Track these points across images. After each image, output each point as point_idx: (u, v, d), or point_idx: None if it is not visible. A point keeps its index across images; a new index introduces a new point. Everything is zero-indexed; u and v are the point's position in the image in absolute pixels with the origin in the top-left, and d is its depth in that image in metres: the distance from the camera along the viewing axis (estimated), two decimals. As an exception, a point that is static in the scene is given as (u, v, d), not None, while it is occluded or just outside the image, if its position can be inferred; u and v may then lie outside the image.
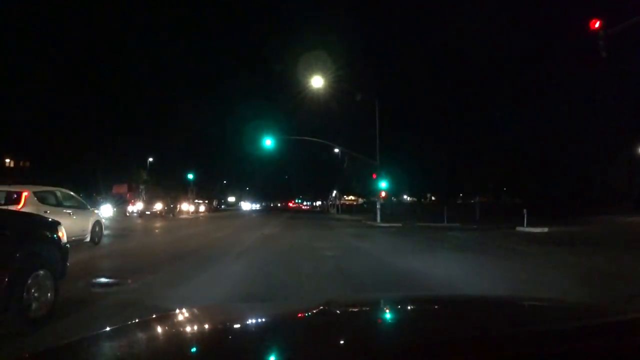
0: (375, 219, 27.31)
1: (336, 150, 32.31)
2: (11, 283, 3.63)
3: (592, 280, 6.99)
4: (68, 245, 5.08)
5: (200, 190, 66.89)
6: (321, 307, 1.78)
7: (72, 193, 11.77)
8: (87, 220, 11.45)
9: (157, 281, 6.64)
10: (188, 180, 60.24)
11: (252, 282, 6.75)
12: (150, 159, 55.63)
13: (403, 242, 14.75)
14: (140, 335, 1.38)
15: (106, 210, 22.42)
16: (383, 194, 28.61)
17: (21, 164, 53.97)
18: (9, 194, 9.65)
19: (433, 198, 62.52)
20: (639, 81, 29.29)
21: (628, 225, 21.71)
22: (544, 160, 36.23)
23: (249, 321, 1.71)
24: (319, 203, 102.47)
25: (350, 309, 1.96)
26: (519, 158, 36.89)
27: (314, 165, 62.39)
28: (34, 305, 3.95)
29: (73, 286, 5.61)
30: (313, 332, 1.45)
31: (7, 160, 54.25)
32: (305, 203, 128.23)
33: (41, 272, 4.11)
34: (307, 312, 1.82)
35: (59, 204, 10.52)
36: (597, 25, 9.96)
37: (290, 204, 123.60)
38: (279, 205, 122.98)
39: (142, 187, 45.30)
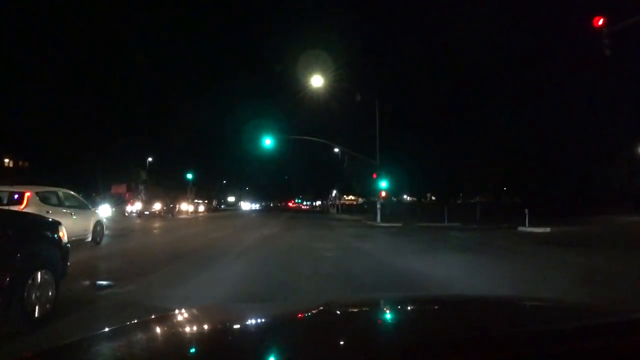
0: (375, 219, 27.24)
1: (336, 150, 32.23)
2: (12, 283, 3.65)
3: (600, 282, 6.90)
4: (69, 245, 5.11)
5: (199, 190, 66.86)
6: (321, 308, 1.79)
7: (73, 193, 11.82)
8: (89, 220, 11.53)
9: (157, 281, 6.66)
10: (187, 180, 60.17)
11: (251, 282, 6.70)
12: (150, 159, 55.54)
13: (404, 243, 14.66)
14: (140, 336, 1.38)
15: (104, 210, 22.30)
16: (383, 193, 28.54)
17: (20, 163, 53.90)
18: (11, 194, 9.72)
19: (433, 198, 62.47)
20: (639, 80, 29.28)
21: (629, 225, 21.62)
22: (544, 160, 36.20)
23: (249, 321, 1.70)
24: (318, 203, 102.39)
25: (349, 309, 1.96)
26: (519, 158, 36.85)
27: (314, 165, 62.44)
28: (35, 305, 3.97)
29: (74, 286, 5.63)
30: (313, 332, 1.44)
31: (6, 160, 54.19)
32: (305, 203, 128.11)
33: (42, 271, 4.13)
34: (307, 312, 1.82)
35: (60, 204, 10.58)
36: (600, 22, 9.84)
37: (290, 204, 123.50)
38: (278, 205, 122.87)
39: (141, 187, 45.23)
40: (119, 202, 34.49)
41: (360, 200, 74.74)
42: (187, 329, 1.55)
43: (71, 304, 4.76)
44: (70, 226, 9.16)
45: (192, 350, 1.27)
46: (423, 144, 39.07)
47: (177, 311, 1.72)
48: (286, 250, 11.17)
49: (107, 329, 1.42)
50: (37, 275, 4.04)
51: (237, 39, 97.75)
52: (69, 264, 4.93)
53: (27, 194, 9.65)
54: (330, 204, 67.46)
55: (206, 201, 64.62)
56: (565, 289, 6.19)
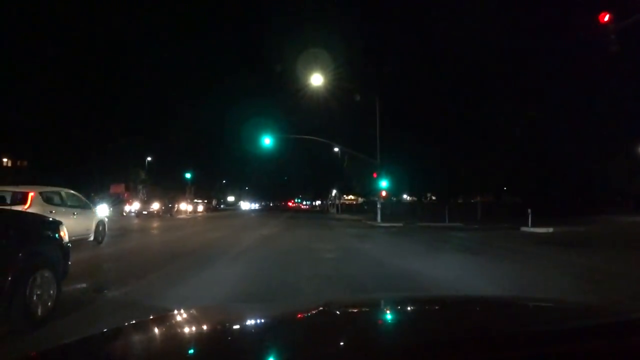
0: (375, 219, 27.08)
1: (336, 149, 32.08)
2: (14, 282, 3.69)
3: (612, 285, 6.72)
4: (69, 244, 5.16)
5: (199, 190, 66.71)
6: (320, 308, 1.78)
7: (76, 193, 11.91)
8: (91, 219, 11.70)
9: (157, 281, 6.71)
10: (186, 180, 60.01)
11: (250, 283, 6.59)
12: (149, 159, 55.35)
13: (405, 243, 14.49)
14: (141, 336, 1.39)
15: (103, 210, 22.15)
16: (384, 193, 28.37)
17: (18, 163, 53.72)
18: (15, 195, 9.85)
19: (433, 198, 62.29)
20: (639, 80, 29.13)
21: (631, 225, 21.52)
22: (544, 160, 36.08)
23: (248, 321, 1.70)
24: (318, 203, 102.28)
25: (349, 310, 1.96)
26: (519, 158, 36.73)
27: (314, 164, 62.20)
28: (36, 304, 4.00)
29: (76, 285, 5.64)
30: (313, 332, 1.44)
31: (5, 160, 54.01)
32: (304, 203, 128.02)
33: (43, 271, 4.18)
34: (307, 312, 1.81)
35: (63, 204, 10.72)
36: (606, 19, 9.63)
37: (290, 204, 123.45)
38: (278, 205, 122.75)
39: (140, 186, 45.07)
40: (118, 202, 34.32)
41: (360, 200, 74.61)
42: (187, 329, 1.54)
43: (72, 303, 4.80)
44: (72, 226, 9.57)
45: (192, 350, 1.27)
46: (423, 144, 38.94)
47: (177, 311, 1.72)
48: (286, 251, 11.00)
49: (107, 329, 1.44)
50: (38, 275, 4.08)
51: (237, 38, 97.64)
52: (70, 263, 4.98)
53: (30, 194, 9.76)
54: (330, 204, 67.35)
55: (205, 201, 64.47)
56: (580, 294, 5.96)
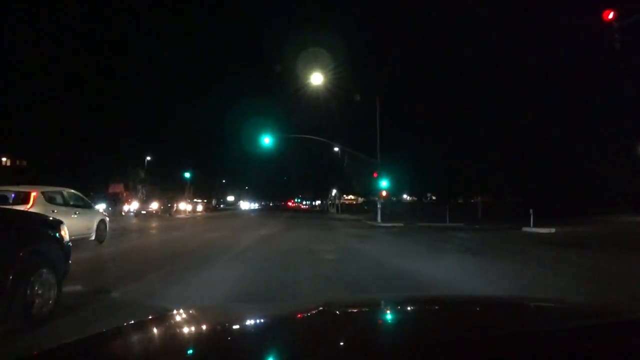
0: (375, 219, 26.93)
1: (336, 149, 31.93)
2: (15, 281, 3.71)
3: (619, 287, 6.53)
4: (70, 244, 5.18)
5: (199, 190, 66.55)
6: (320, 308, 1.78)
7: (78, 193, 12.00)
8: (93, 219, 11.79)
9: (156, 281, 6.73)
10: (186, 180, 59.86)
11: (249, 284, 6.48)
12: (148, 158, 55.18)
13: (407, 244, 14.30)
14: (140, 336, 1.38)
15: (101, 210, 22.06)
16: (384, 193, 28.20)
17: (18, 162, 53.57)
18: (17, 194, 9.94)
19: (433, 197, 62.14)
20: (639, 79, 28.99)
21: (633, 225, 21.38)
22: (544, 160, 35.98)
23: (248, 321, 1.70)
24: (318, 202, 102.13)
25: (349, 310, 1.95)
26: (520, 157, 36.62)
27: (314, 164, 62.07)
28: (36, 303, 4.01)
29: (77, 284, 5.64)
30: (312, 332, 1.44)
31: (4, 159, 53.87)
32: (304, 202, 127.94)
33: (44, 270, 4.19)
34: (307, 312, 1.81)
35: (65, 204, 10.82)
36: (610, 16, 9.45)
37: (290, 204, 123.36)
38: (278, 204, 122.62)
39: (139, 186, 44.92)
40: (116, 202, 34.16)
41: (360, 199, 74.46)
42: (187, 329, 1.54)
43: (73, 303, 4.82)
44: (74, 225, 9.81)
45: (192, 350, 1.26)
46: (423, 143, 38.86)
47: (177, 311, 1.71)
48: (285, 251, 10.83)
49: (108, 329, 1.44)
50: (39, 274, 4.09)
51: (237, 38, 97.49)
52: (70, 262, 5.00)
53: (33, 194, 9.85)
54: (330, 204, 67.18)
55: (205, 200, 64.30)
56: (588, 297, 5.73)
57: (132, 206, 36.06)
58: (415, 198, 63.96)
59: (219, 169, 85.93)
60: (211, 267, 8.21)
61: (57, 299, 4.37)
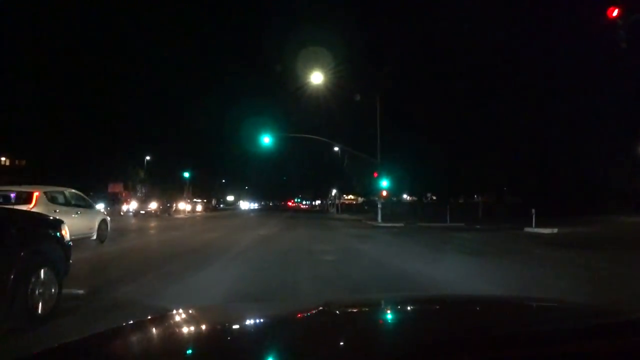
0: (376, 219, 26.83)
1: (336, 148, 31.82)
2: (16, 280, 3.73)
3: (628, 288, 6.37)
4: (71, 243, 5.21)
5: (198, 190, 66.45)
6: (320, 308, 1.77)
7: (79, 193, 12.07)
8: (94, 219, 11.87)
9: (156, 280, 6.75)
10: (185, 179, 59.75)
11: (249, 284, 6.42)
12: (148, 158, 55.07)
13: (408, 244, 14.18)
14: (140, 336, 1.38)
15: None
16: (384, 193, 28.07)
17: (17, 162, 53.45)
18: (20, 194, 10.02)
19: (433, 197, 62.02)
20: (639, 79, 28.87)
21: (634, 225, 21.28)
22: (545, 160, 35.90)
23: (248, 321, 1.69)
24: (318, 202, 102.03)
25: (349, 310, 1.94)
26: (520, 157, 36.54)
27: (314, 164, 62.00)
28: (37, 302, 4.04)
29: (78, 283, 5.64)
30: (312, 332, 1.43)
31: (3, 159, 53.78)
32: (304, 202, 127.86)
33: (45, 269, 4.21)
34: (307, 312, 1.80)
35: (67, 204, 10.91)
36: (615, 13, 9.30)
37: (290, 204, 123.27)
38: (277, 204, 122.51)
39: (139, 186, 44.82)
40: (116, 201, 34.04)
41: (360, 199, 74.35)
42: (187, 329, 1.53)
43: (74, 302, 4.85)
44: (76, 225, 9.97)
45: (192, 350, 1.26)
46: (424, 143, 38.73)
47: (177, 311, 1.71)
48: (285, 252, 10.73)
49: (108, 329, 1.44)
50: (40, 273, 4.12)
51: (237, 38, 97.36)
52: (71, 262, 5.02)
53: (35, 194, 9.91)
54: (330, 204, 67.09)
55: (205, 200, 64.13)
56: (598, 300, 5.55)
57: (131, 206, 35.91)
58: (415, 198, 63.82)
59: (218, 168, 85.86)
60: (210, 267, 8.20)
61: (58, 298, 4.40)
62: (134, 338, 1.36)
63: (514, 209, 30.75)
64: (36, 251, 4.28)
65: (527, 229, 18.35)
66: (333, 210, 58.17)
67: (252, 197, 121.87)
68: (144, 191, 44.04)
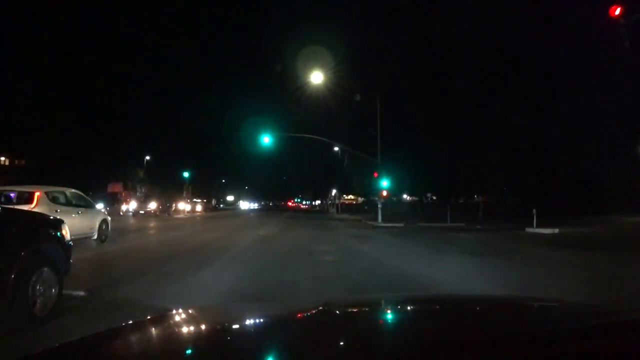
0: (376, 219, 26.78)
1: (336, 148, 31.78)
2: (17, 280, 3.74)
3: (635, 290, 6.28)
4: (71, 243, 5.22)
5: (198, 190, 66.36)
6: (320, 308, 1.76)
7: (80, 193, 12.12)
8: (95, 219, 11.89)
9: (156, 280, 6.78)
10: (185, 179, 59.67)
11: (248, 284, 6.40)
12: (148, 158, 55.02)
13: (409, 245, 14.13)
14: (140, 335, 1.38)
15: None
16: (384, 193, 28.02)
17: (16, 162, 53.40)
18: (21, 194, 10.07)
19: (434, 197, 61.97)
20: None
21: (635, 225, 21.26)
22: (545, 160, 35.87)
23: (248, 321, 1.69)
24: (318, 202, 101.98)
25: (349, 309, 1.94)
26: (520, 157, 36.51)
27: (314, 164, 61.89)
28: (38, 302, 4.04)
29: (78, 283, 5.65)
30: (312, 332, 1.43)
31: (2, 159, 53.74)
32: (304, 202, 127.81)
33: (45, 269, 4.22)
34: (306, 312, 1.79)
35: (68, 204, 10.96)
36: (617, 12, 9.25)
37: (290, 204, 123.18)
38: (277, 204, 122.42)
39: (138, 186, 44.76)
40: (115, 201, 33.98)
41: (360, 199, 74.31)
42: (187, 329, 1.53)
43: (74, 302, 4.86)
44: (77, 224, 10.05)
45: (192, 350, 1.26)
46: (424, 143, 38.67)
47: (176, 311, 1.71)
48: (285, 252, 10.71)
49: (108, 329, 1.43)
50: (40, 273, 4.12)
51: (237, 38, 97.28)
52: (71, 261, 5.03)
53: (37, 194, 9.93)
54: (330, 204, 67.05)
55: (205, 200, 64.06)
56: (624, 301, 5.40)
57: (131, 206, 35.84)
58: (415, 198, 63.73)
59: (218, 168, 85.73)
60: (210, 267, 8.20)
61: (59, 298, 4.40)
62: (134, 338, 1.35)
63: (514, 209, 30.71)
64: (37, 251, 4.29)
65: (529, 229, 18.29)
66: (333, 210, 58.13)
67: (252, 197, 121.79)
68: (143, 191, 43.91)
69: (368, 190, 47.21)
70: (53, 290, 4.31)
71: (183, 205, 46.80)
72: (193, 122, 68.68)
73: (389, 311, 1.92)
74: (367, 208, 52.60)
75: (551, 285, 6.87)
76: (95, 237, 11.66)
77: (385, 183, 27.10)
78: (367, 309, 1.99)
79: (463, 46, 40.35)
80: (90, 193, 34.93)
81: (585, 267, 8.91)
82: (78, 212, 10.90)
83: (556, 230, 17.25)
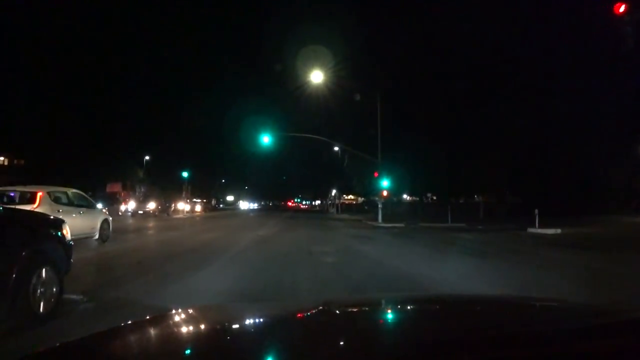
0: (376, 219, 26.75)
1: (336, 148, 31.76)
2: (17, 280, 3.75)
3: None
4: (72, 242, 5.24)
5: (198, 190, 66.26)
6: (320, 308, 1.78)
7: (82, 193, 12.25)
8: (96, 219, 11.97)
9: (156, 280, 6.81)
10: (184, 179, 59.60)
11: (248, 284, 6.38)
12: (147, 157, 54.94)
13: (409, 245, 14.09)
14: (140, 335, 1.38)
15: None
16: (385, 193, 27.97)
17: (16, 162, 53.33)
18: (24, 194, 10.15)
19: (434, 197, 61.93)
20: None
21: (636, 225, 21.22)
22: (545, 160, 35.84)
23: (248, 321, 1.69)
24: (318, 202, 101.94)
25: (349, 309, 1.94)
26: (520, 157, 36.48)
27: (314, 164, 61.86)
28: (39, 301, 4.07)
29: (79, 283, 5.66)
30: (312, 332, 1.43)
31: (2, 159, 53.66)
32: (304, 202, 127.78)
33: (46, 269, 4.23)
34: (306, 312, 1.80)
35: (70, 204, 11.02)
36: (622, 9, 9.12)
37: (289, 203, 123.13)
38: (277, 204, 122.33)
39: (137, 185, 44.66)
40: (114, 201, 33.90)
41: (360, 199, 74.26)
42: (186, 329, 1.53)
43: (75, 301, 4.89)
44: (79, 224, 10.16)
45: (192, 350, 1.25)
46: (424, 143, 38.63)
47: (176, 311, 1.71)
48: (285, 252, 10.66)
49: (107, 328, 1.43)
50: (41, 272, 4.14)
51: (237, 38, 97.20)
52: (72, 261, 5.06)
53: (39, 194, 10.01)
54: (330, 204, 67.01)
55: (204, 200, 63.99)
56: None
57: (130, 206, 35.77)
58: (415, 198, 63.67)
59: (218, 168, 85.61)
60: (210, 267, 8.21)
61: (59, 297, 4.41)
62: (134, 338, 1.35)
63: (514, 209, 30.67)
64: (37, 251, 4.30)
65: (531, 230, 18.15)
66: (333, 210, 58.08)
67: (252, 197, 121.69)
68: (142, 191, 43.81)
69: (368, 190, 47.18)
70: (54, 290, 4.32)
71: (182, 205, 46.72)
72: (193, 122, 68.48)
73: (389, 311, 1.92)
74: (367, 208, 52.55)
75: (550, 285, 6.81)
76: (97, 237, 11.73)
77: (385, 183, 27.06)
78: (367, 309, 1.99)
79: (463, 46, 40.35)
80: (90, 193, 34.96)
81: (590, 268, 8.83)
82: (80, 212, 10.96)
83: (558, 231, 17.17)
